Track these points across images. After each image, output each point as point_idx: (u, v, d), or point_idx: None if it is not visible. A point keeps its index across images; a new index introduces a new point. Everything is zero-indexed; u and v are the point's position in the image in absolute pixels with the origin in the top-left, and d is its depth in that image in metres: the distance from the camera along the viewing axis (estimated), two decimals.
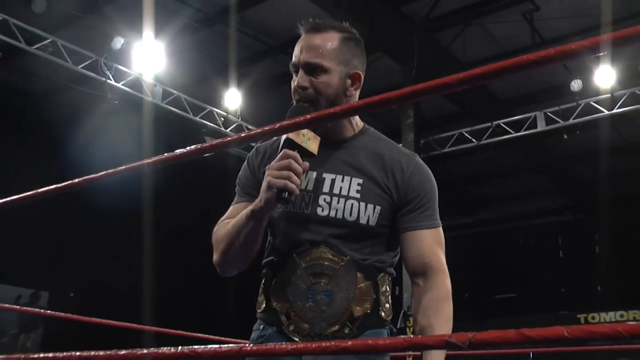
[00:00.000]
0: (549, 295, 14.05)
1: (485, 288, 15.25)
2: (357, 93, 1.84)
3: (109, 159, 9.13)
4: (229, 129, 10.46)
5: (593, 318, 10.86)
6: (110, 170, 1.48)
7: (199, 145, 1.32)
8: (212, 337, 4.67)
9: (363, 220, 1.74)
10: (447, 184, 13.74)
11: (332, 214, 1.74)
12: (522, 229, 15.36)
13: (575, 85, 9.36)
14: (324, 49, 1.77)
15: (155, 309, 10.09)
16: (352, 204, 1.74)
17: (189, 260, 12.19)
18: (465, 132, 10.58)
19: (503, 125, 10.29)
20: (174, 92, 9.56)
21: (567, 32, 9.48)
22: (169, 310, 10.77)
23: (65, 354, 1.35)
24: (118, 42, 8.66)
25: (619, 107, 9.41)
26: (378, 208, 1.75)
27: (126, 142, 9.78)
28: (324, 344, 1.13)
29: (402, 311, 9.05)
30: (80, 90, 9.31)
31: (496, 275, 15.24)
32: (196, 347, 1.22)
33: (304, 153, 1.67)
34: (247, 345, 1.19)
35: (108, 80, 8.75)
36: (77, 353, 1.33)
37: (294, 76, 1.81)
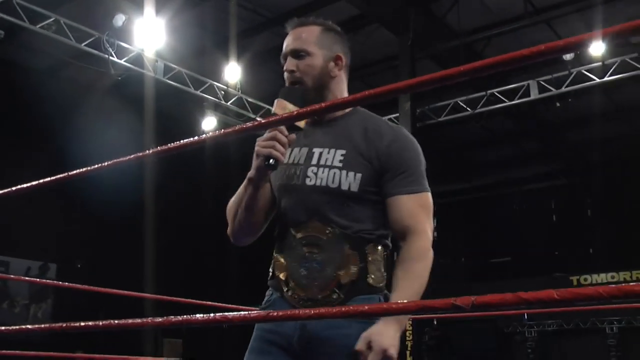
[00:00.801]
0: (543, 258, 14.36)
1: (481, 252, 15.56)
2: (343, 73, 2.07)
3: (112, 134, 9.38)
4: (230, 102, 10.64)
5: (585, 280, 11.19)
6: (118, 160, 1.60)
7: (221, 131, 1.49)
8: (218, 304, 4.78)
9: (344, 187, 1.90)
10: (443, 151, 13.98)
11: (318, 182, 1.92)
12: (516, 194, 15.63)
13: (568, 54, 9.54)
14: (307, 37, 2.02)
15: (159, 278, 10.37)
16: (335, 172, 1.91)
17: (194, 229, 12.45)
18: (460, 101, 10.78)
19: (497, 94, 10.49)
20: (175, 67, 9.70)
21: (560, 1, 9.62)
22: (173, 280, 11.05)
23: (85, 323, 1.50)
24: (120, 19, 8.79)
25: (610, 75, 9.62)
26: (359, 175, 1.90)
27: (129, 117, 9.99)
28: (342, 309, 1.30)
29: None
30: (83, 66, 9.47)
31: (491, 240, 15.53)
32: (227, 313, 1.41)
33: (291, 127, 1.87)
34: (273, 312, 1.33)
35: (110, 57, 8.89)
36: (100, 322, 1.47)
37: (284, 66, 2.04)
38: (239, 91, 10.59)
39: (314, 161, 1.97)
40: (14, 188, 1.88)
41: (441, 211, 16.37)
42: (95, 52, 8.83)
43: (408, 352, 9.05)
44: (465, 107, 10.82)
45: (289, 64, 2.01)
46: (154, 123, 9.41)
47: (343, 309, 1.31)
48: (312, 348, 1.87)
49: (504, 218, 15.62)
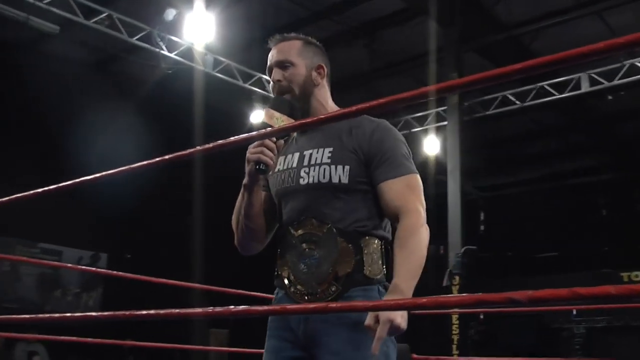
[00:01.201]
0: (591, 253, 14.13)
1: (528, 247, 15.38)
2: (325, 81, 2.21)
3: (162, 126, 9.54)
4: None
5: (636, 276, 10.98)
6: (179, 153, 1.66)
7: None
8: (263, 295, 4.84)
9: (335, 180, 2.03)
10: (490, 144, 13.87)
11: (310, 180, 2.06)
12: (563, 188, 15.40)
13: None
14: (290, 50, 2.15)
15: (207, 268, 10.51)
16: (325, 168, 2.05)
17: None
18: (509, 94, 10.67)
19: (547, 87, 10.36)
20: (224, 60, 9.82)
21: None
22: (220, 270, 11.19)
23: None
24: (170, 13, 8.94)
25: None
26: (347, 167, 2.03)
27: (178, 110, 10.14)
28: (380, 302, 1.33)
29: (448, 270, 9.30)
30: (134, 60, 9.64)
31: (537, 235, 15.34)
32: (287, 305, 1.44)
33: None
34: (331, 304, 1.38)
35: (161, 51, 9.04)
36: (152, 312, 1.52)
37: (270, 77, 2.18)
38: None
39: (305, 162, 2.10)
40: (73, 181, 1.94)
41: (487, 205, 16.26)
42: (147, 46, 9.00)
43: (454, 346, 9.04)
44: (514, 100, 10.71)
45: (275, 74, 2.14)
46: (203, 116, 9.53)
47: (401, 301, 1.34)
48: (314, 339, 1.99)
49: (551, 212, 15.41)
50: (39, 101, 10.24)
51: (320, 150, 2.09)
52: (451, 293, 8.97)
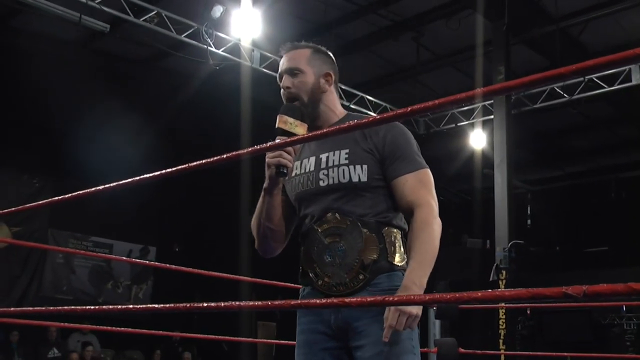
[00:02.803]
0: None
1: (577, 241, 15.16)
2: (333, 88, 2.33)
3: (210, 122, 9.66)
4: None
5: None
6: (236, 153, 1.75)
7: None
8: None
9: (355, 179, 2.16)
10: (537, 138, 13.70)
11: (330, 182, 2.19)
12: (614, 181, 15.14)
13: None
14: (299, 58, 2.29)
15: (254, 261, 10.62)
16: (344, 169, 2.18)
17: None
18: (557, 87, 10.54)
19: (595, 79, 10.20)
20: (271, 56, 9.90)
21: None
22: (268, 263, 11.30)
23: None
24: (218, 10, 9.04)
25: None
26: (365, 166, 2.16)
27: (226, 105, 10.27)
28: (447, 296, 1.35)
29: (495, 264, 9.25)
30: (182, 57, 9.79)
31: (588, 228, 15.12)
32: (346, 298, 1.48)
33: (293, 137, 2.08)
34: (388, 297, 1.42)
35: (209, 47, 9.16)
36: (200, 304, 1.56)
37: (281, 84, 2.30)
38: None
39: (323, 165, 2.23)
40: (136, 178, 2.01)
41: (535, 199, 16.07)
42: (194, 42, 9.12)
43: (501, 341, 8.99)
44: (562, 93, 10.57)
45: (285, 81, 2.28)
46: (250, 110, 9.63)
47: (457, 295, 1.36)
48: (347, 328, 2.11)
49: (600, 206, 15.17)
50: (88, 97, 10.44)
51: (337, 152, 2.21)
52: (498, 288, 8.92)
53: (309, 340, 2.19)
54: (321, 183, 2.21)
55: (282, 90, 2.29)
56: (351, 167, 2.17)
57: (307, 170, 2.26)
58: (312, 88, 2.26)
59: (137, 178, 2.02)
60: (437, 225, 2.11)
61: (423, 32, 10.28)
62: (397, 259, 2.16)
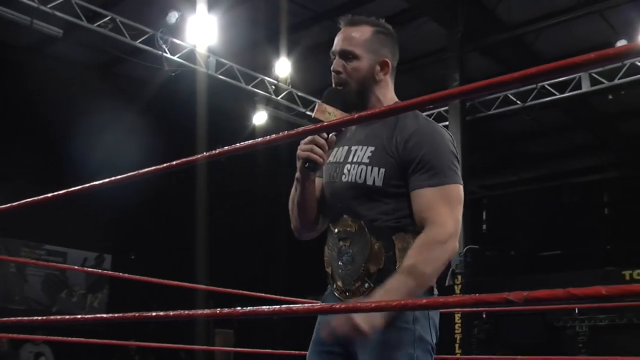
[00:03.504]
0: (595, 252, 14.14)
1: (531, 245, 15.39)
2: (388, 77, 2.12)
3: (166, 128, 9.57)
4: (280, 96, 10.76)
5: (639, 274, 10.98)
6: (187, 159, 1.67)
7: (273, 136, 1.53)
8: (265, 295, 4.87)
9: (369, 182, 1.98)
10: (492, 144, 13.90)
11: (349, 179, 2.03)
12: (567, 186, 15.42)
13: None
14: (357, 39, 2.06)
15: (211, 270, 10.56)
16: (362, 169, 2.00)
17: (245, 221, 12.64)
18: (510, 94, 10.70)
19: (547, 86, 10.38)
20: (227, 62, 9.86)
21: None
22: (224, 271, 11.24)
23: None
24: (173, 16, 8.99)
25: None
26: (382, 170, 1.97)
27: (181, 112, 10.20)
28: (381, 303, 1.37)
29: (450, 269, 9.34)
30: (137, 63, 9.70)
31: (541, 233, 15.36)
32: (292, 306, 1.51)
33: None
34: (336, 305, 1.39)
35: (164, 54, 9.09)
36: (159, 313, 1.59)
37: (332, 64, 2.10)
38: (289, 86, 10.71)
39: (350, 158, 2.06)
40: (82, 187, 1.99)
41: (490, 204, 16.28)
42: (150, 48, 9.05)
43: (457, 345, 9.08)
44: (515, 100, 10.74)
45: (336, 64, 2.07)
46: (206, 117, 9.59)
47: (402, 302, 1.38)
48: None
49: (554, 211, 15.43)
50: (42, 103, 10.31)
51: (364, 148, 2.04)
52: (454, 292, 9.01)
53: (318, 341, 2.10)
54: (343, 178, 2.05)
55: (332, 70, 2.08)
56: (369, 167, 1.99)
57: (338, 160, 2.10)
58: (365, 76, 2.05)
59: (87, 185, 1.99)
60: (444, 251, 1.88)
61: None
62: None
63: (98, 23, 8.62)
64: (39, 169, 10.17)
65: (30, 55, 10.23)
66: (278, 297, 4.95)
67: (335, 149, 2.11)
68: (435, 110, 11.33)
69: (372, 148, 2.02)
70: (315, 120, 1.93)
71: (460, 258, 9.28)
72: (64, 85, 10.49)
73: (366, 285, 1.99)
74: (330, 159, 2.11)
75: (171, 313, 1.62)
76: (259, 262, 12.93)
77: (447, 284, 9.28)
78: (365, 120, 1.75)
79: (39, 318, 2.19)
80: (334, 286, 2.08)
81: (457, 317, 9.04)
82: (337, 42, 2.09)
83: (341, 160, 2.09)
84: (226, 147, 1.64)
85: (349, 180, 2.03)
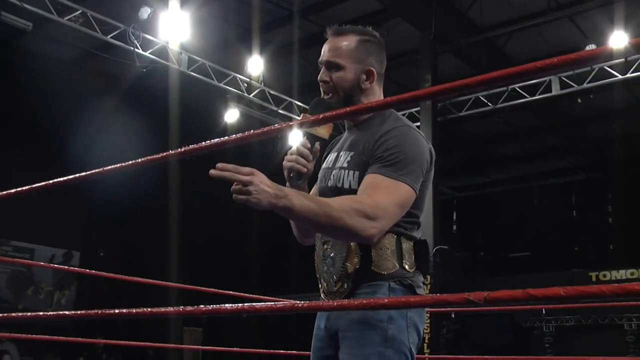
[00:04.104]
0: (563, 253, 14.32)
1: (500, 246, 15.54)
2: (375, 85, 2.13)
3: (137, 125, 9.51)
4: (252, 94, 10.73)
5: (605, 276, 11.13)
6: (151, 157, 1.70)
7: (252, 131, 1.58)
8: (239, 294, 4.85)
9: (346, 185, 2.02)
10: (463, 145, 14.00)
11: (332, 183, 2.09)
12: (536, 188, 15.59)
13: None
14: (342, 49, 2.09)
15: (182, 267, 10.50)
16: (341, 173, 2.06)
17: (216, 219, 12.58)
18: (482, 96, 10.78)
19: (518, 89, 10.48)
20: (199, 59, 9.81)
21: None
22: (195, 268, 11.19)
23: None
24: (145, 12, 8.91)
25: (632, 72, 9.57)
26: (357, 173, 2.01)
27: (153, 108, 10.13)
28: (344, 302, 1.39)
29: None
30: (108, 58, 9.61)
31: (510, 234, 15.51)
32: (255, 304, 1.50)
33: (315, 138, 2.03)
34: (298, 303, 1.41)
35: (135, 49, 9.01)
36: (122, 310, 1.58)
37: (320, 73, 2.14)
38: (261, 84, 10.68)
39: (336, 164, 2.12)
40: (50, 182, 1.97)
41: (460, 205, 16.41)
42: (121, 44, 8.97)
43: (425, 345, 9.12)
44: (486, 102, 10.82)
45: (323, 74, 2.11)
46: (178, 114, 9.53)
47: (364, 301, 1.39)
48: (335, 336, 2.03)
49: (523, 213, 15.59)
50: (10, 98, 10.16)
51: (347, 153, 2.09)
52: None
53: (316, 347, 2.14)
54: (329, 182, 2.11)
55: (319, 80, 2.12)
56: (347, 171, 2.04)
57: (328, 166, 2.16)
58: (351, 86, 2.08)
59: (53, 181, 1.97)
60: (362, 224, 1.79)
61: None
62: (386, 266, 1.97)
63: (68, 17, 8.52)
64: (7, 164, 10.02)
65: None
66: (247, 295, 4.93)
67: (330, 155, 2.20)
68: (407, 111, 11.38)
69: (352, 153, 2.07)
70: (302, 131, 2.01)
71: (430, 258, 9.33)
72: (33, 80, 10.34)
73: (345, 285, 2.01)
74: (324, 164, 2.20)
75: (134, 310, 1.62)
76: (233, 260, 12.88)
77: None
78: (331, 120, 1.77)
79: (3, 315, 2.15)
80: (321, 289, 2.12)
81: (426, 317, 9.08)
82: (324, 53, 2.12)
83: (330, 165, 2.15)
84: (194, 145, 1.64)
85: (332, 184, 2.09)
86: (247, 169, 1.69)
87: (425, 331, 8.71)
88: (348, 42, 2.10)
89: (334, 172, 2.10)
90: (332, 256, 2.04)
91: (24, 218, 10.69)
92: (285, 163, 2.03)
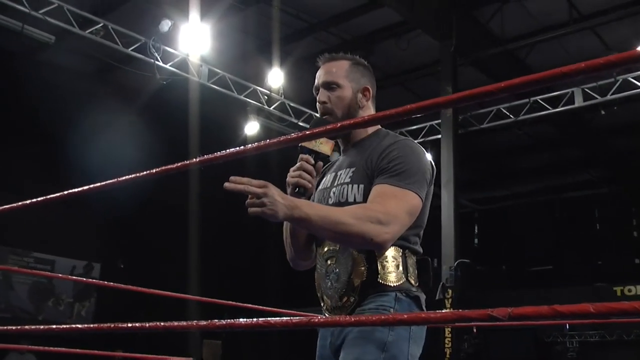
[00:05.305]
0: (586, 267, 14.13)
1: (522, 260, 15.37)
2: (370, 103, 2.23)
3: (157, 137, 9.53)
4: (272, 106, 10.73)
5: (630, 291, 10.94)
6: (166, 167, 1.66)
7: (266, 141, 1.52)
8: (258, 307, 4.84)
9: (350, 199, 2.05)
10: (484, 158, 13.89)
11: (334, 200, 2.11)
12: (558, 201, 15.43)
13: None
14: (338, 71, 2.19)
15: (202, 279, 10.48)
16: (344, 188, 2.09)
17: (236, 232, 12.56)
18: (503, 108, 10.70)
19: (540, 101, 10.39)
20: (219, 71, 9.84)
21: (606, 7, 9.46)
22: (215, 281, 11.17)
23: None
24: (165, 25, 8.96)
25: None
26: (362, 186, 2.04)
27: (173, 120, 10.15)
28: (361, 318, 1.34)
29: (441, 283, 9.30)
30: (129, 71, 9.66)
31: (532, 248, 15.35)
32: (270, 319, 1.46)
33: (318, 156, 2.06)
34: (315, 317, 1.39)
35: (156, 62, 9.05)
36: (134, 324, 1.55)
37: (317, 97, 2.21)
38: (281, 96, 10.68)
39: (335, 182, 2.16)
40: (67, 192, 1.95)
41: (481, 218, 16.27)
42: (142, 56, 9.02)
43: (446, 359, 9.02)
44: (508, 114, 10.73)
45: (321, 95, 2.18)
46: (198, 126, 9.55)
47: (382, 317, 1.35)
48: (338, 351, 2.01)
49: (545, 226, 15.43)
50: (34, 110, 10.25)
51: (347, 170, 2.13)
52: (444, 306, 8.96)
53: (321, 356, 2.14)
54: (329, 201, 2.13)
55: (317, 104, 2.19)
56: (349, 186, 2.08)
57: (325, 186, 2.20)
58: (349, 104, 2.17)
59: (70, 191, 1.95)
60: (373, 230, 1.84)
61: (373, 51, 10.35)
62: (392, 279, 2.00)
63: (90, 30, 8.59)
64: (30, 176, 10.08)
65: (22, 62, 10.17)
66: (266, 308, 4.89)
67: (326, 177, 2.23)
68: (428, 124, 11.33)
69: (353, 168, 2.11)
70: (303, 148, 2.05)
71: (451, 272, 9.24)
72: (55, 93, 10.43)
73: (352, 299, 2.02)
74: (321, 186, 2.22)
75: (147, 324, 1.58)
76: (252, 272, 12.85)
77: (437, 297, 9.24)
78: (349, 128, 1.75)
79: (26, 327, 2.14)
80: (324, 306, 2.12)
81: (447, 331, 8.99)
82: (319, 76, 2.21)
83: (328, 185, 2.18)
84: (210, 155, 1.62)
85: (335, 201, 2.10)
86: (260, 182, 1.74)
87: (446, 345, 8.61)
88: (341, 65, 2.21)
89: (333, 189, 2.13)
90: (337, 272, 2.05)
91: (45, 230, 10.74)
92: (289, 179, 2.04)
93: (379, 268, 2.00)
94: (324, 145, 2.06)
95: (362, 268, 2.00)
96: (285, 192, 1.99)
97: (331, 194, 2.13)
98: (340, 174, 2.15)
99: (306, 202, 1.86)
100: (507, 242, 15.78)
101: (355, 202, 2.02)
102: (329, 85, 2.17)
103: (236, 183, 1.75)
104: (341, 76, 2.17)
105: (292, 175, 2.04)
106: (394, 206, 1.91)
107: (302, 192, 2.03)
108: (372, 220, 1.84)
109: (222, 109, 10.98)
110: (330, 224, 1.80)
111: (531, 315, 1.01)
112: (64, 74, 10.62)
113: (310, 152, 2.05)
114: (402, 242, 2.01)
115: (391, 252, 2.01)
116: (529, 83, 1.14)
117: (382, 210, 1.87)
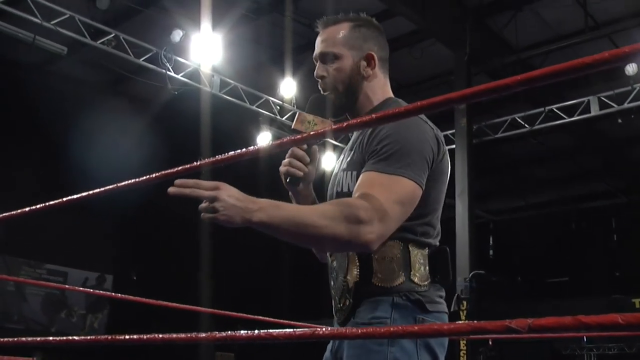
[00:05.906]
0: (603, 278, 13.96)
1: (538, 271, 15.21)
2: (378, 70, 1.94)
3: (169, 147, 9.53)
4: (285, 117, 10.68)
5: None
6: (168, 171, 1.52)
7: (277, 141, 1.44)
8: (268, 319, 4.78)
9: (345, 189, 1.82)
10: (499, 168, 13.76)
11: (337, 189, 1.88)
12: (575, 212, 15.25)
13: (630, 69, 9.25)
14: (335, 38, 1.91)
15: (214, 291, 10.42)
16: (341, 176, 1.86)
17: (247, 243, 12.51)
18: (518, 117, 10.59)
19: (556, 110, 10.27)
20: (231, 82, 9.81)
21: (621, 15, 9.36)
22: (227, 293, 11.10)
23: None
24: (177, 35, 8.95)
25: None
26: (354, 173, 1.79)
27: (185, 131, 10.13)
28: (368, 330, 1.26)
29: (456, 294, 9.17)
30: (141, 81, 9.65)
31: (549, 259, 15.19)
32: (272, 330, 1.37)
33: (296, 133, 1.79)
34: (320, 329, 1.28)
35: (168, 72, 9.04)
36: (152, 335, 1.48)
37: (315, 70, 1.97)
38: (294, 106, 10.63)
39: (340, 167, 1.93)
40: (74, 196, 1.90)
41: (497, 229, 16.11)
42: (153, 67, 9.01)
43: None
44: (522, 123, 10.62)
45: (319, 69, 1.94)
46: (210, 137, 9.50)
47: (392, 329, 1.26)
48: (340, 356, 1.82)
49: (561, 237, 15.26)
50: (45, 121, 10.27)
51: (349, 153, 1.90)
52: (459, 318, 8.83)
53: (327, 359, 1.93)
54: (335, 189, 1.90)
55: (315, 77, 1.95)
56: (345, 173, 1.84)
57: (335, 172, 1.96)
58: (350, 75, 1.89)
59: (78, 195, 1.89)
60: (353, 231, 1.56)
61: None
62: (390, 279, 1.74)
63: (102, 40, 8.60)
64: (42, 186, 10.08)
65: (34, 73, 10.21)
66: (278, 320, 4.82)
67: (340, 158, 1.99)
68: (443, 134, 11.23)
69: (352, 152, 1.87)
70: (295, 132, 1.78)
71: (466, 283, 9.12)
72: (67, 103, 10.46)
73: (347, 302, 1.80)
74: (335, 169, 1.98)
75: (145, 337, 1.51)
76: (265, 283, 12.78)
77: (452, 309, 9.11)
78: (355, 128, 1.64)
79: (38, 339, 2.07)
80: (334, 309, 1.89)
81: (462, 343, 8.86)
82: (317, 46, 1.96)
83: (337, 170, 1.96)
84: (210, 159, 1.53)
85: (336, 190, 1.89)
86: (210, 183, 1.51)
87: (461, 357, 8.47)
88: (340, 29, 1.93)
89: (338, 175, 1.90)
90: (336, 270, 1.85)
91: (57, 242, 10.75)
92: (281, 168, 1.86)
93: (375, 267, 1.75)
94: (319, 127, 1.79)
95: (355, 267, 1.77)
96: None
97: (336, 181, 1.90)
98: (344, 157, 1.93)
99: (272, 202, 1.54)
100: (523, 253, 15.61)
101: (349, 192, 1.77)
102: (326, 57, 1.92)
103: (181, 187, 1.51)
104: (339, 44, 1.90)
105: (282, 164, 1.85)
106: (379, 197, 1.61)
107: (294, 181, 1.85)
108: (350, 220, 1.55)
109: (234, 120, 10.95)
110: (298, 227, 1.53)
111: (552, 327, 0.92)
112: (76, 84, 10.65)
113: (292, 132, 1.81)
114: (403, 235, 1.74)
115: (389, 247, 1.73)
116: (547, 76, 1.03)
117: (363, 206, 1.58)
